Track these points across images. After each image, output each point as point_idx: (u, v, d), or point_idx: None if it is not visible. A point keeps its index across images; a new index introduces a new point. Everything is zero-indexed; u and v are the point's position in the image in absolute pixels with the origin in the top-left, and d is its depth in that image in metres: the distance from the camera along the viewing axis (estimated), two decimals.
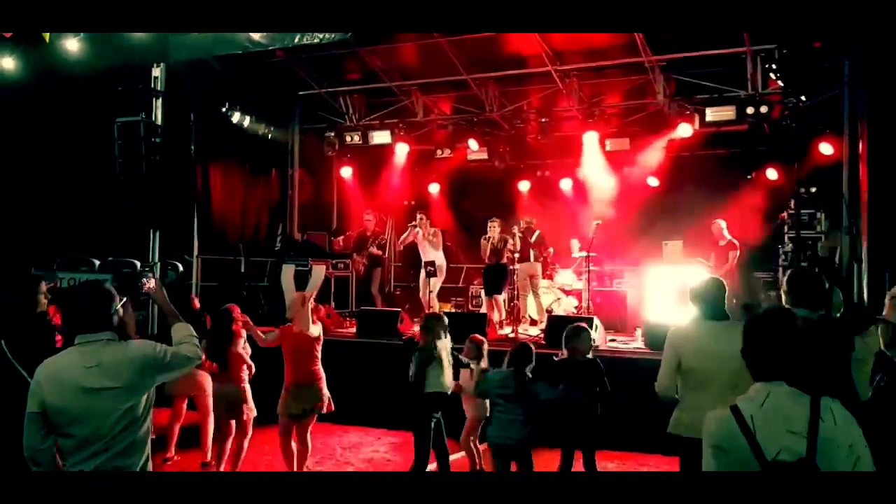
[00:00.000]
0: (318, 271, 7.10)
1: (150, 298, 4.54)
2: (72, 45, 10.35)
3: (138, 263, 10.78)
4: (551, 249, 11.88)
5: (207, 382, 7.19)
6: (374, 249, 12.44)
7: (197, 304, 8.36)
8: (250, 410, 6.71)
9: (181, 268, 11.77)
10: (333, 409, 6.73)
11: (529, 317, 11.65)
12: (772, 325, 2.58)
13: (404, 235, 11.99)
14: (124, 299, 3.45)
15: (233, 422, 6.73)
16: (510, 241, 11.06)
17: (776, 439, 2.33)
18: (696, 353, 4.26)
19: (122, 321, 3.41)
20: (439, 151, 14.30)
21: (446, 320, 6.49)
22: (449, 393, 6.31)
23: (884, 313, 2.94)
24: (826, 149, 10.26)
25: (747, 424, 2.37)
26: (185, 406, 7.64)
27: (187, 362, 3.49)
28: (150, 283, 3.90)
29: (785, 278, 4.18)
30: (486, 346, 6.68)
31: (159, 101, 10.94)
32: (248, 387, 6.78)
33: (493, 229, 11.16)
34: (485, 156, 14.22)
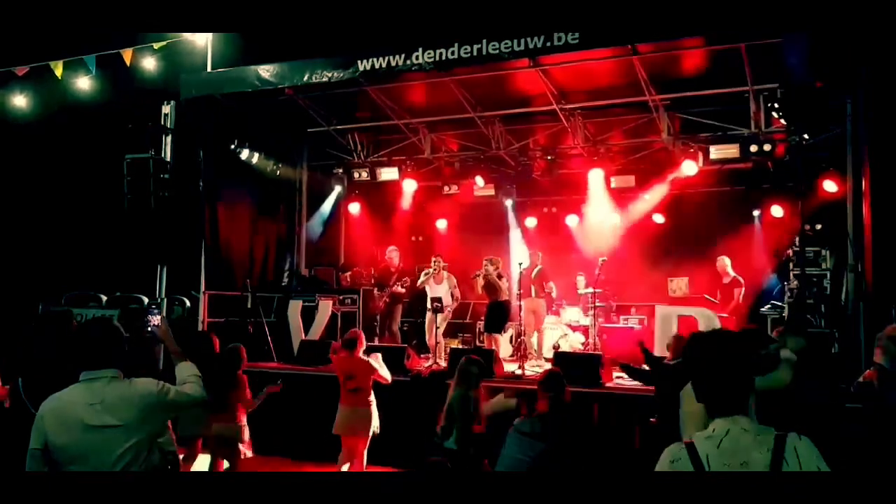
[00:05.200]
0: (324, 307, 7.12)
1: (155, 336, 4.57)
2: (83, 82, 10.54)
3: (146, 299, 10.83)
4: (551, 284, 11.86)
5: None
6: (397, 288, 12.33)
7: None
8: (245, 451, 6.69)
9: (188, 303, 11.82)
10: None
11: (535, 353, 11.62)
12: (720, 350, 2.32)
13: (421, 280, 11.93)
14: (127, 336, 3.48)
15: (224, 462, 6.68)
16: (494, 272, 11.07)
17: None
18: None
19: (137, 354, 3.43)
20: (446, 187, 14.41)
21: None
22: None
23: (874, 357, 2.89)
24: (830, 186, 10.27)
25: (702, 466, 2.19)
26: (199, 447, 7.32)
27: (191, 401, 3.51)
28: (156, 320, 3.92)
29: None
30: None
31: (169, 138, 11.10)
32: (246, 427, 6.75)
33: (485, 265, 11.14)
34: (491, 192, 14.30)
